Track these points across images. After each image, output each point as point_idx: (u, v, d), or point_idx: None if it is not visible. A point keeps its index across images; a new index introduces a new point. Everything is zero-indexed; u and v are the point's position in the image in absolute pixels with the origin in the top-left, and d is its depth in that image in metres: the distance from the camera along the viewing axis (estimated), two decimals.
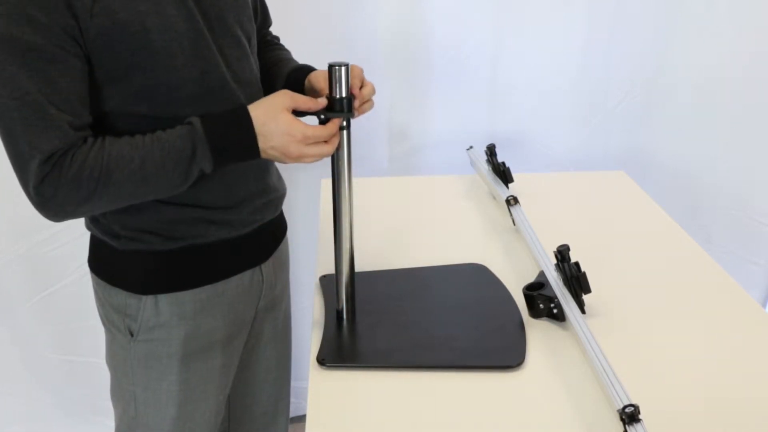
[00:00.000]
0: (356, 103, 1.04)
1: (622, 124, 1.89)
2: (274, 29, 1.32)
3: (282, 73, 1.17)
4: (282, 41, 1.35)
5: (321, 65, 1.03)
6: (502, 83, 1.83)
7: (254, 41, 1.11)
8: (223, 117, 0.97)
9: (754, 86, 1.80)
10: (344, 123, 1.02)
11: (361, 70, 1.07)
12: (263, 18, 1.25)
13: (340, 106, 1.01)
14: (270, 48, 1.26)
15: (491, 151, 1.60)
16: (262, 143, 0.97)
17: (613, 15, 1.77)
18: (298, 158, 0.99)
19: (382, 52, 1.77)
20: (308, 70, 1.15)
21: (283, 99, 0.99)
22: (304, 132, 0.97)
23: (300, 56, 1.28)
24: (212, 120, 0.96)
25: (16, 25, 0.82)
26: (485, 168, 1.62)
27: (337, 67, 0.98)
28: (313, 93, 1.09)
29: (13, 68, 0.83)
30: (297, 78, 1.14)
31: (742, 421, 0.94)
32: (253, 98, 1.06)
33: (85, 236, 1.11)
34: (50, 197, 0.89)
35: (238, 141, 0.97)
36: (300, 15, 1.66)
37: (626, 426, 0.86)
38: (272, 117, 0.97)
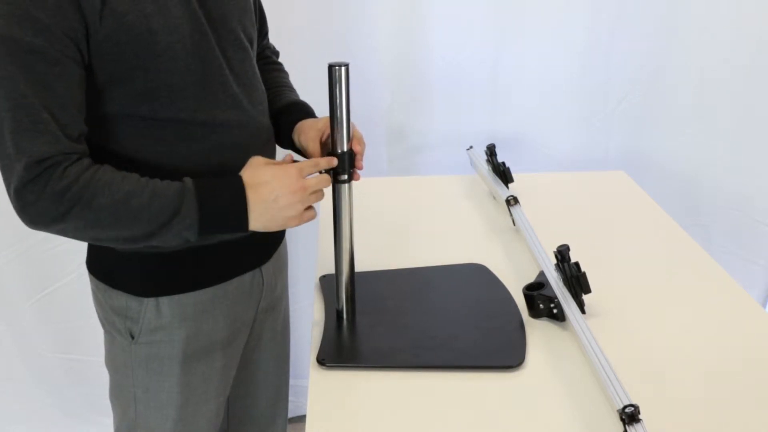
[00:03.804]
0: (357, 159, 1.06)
1: (623, 125, 1.89)
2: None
3: (273, 104, 1.18)
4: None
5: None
6: (503, 83, 1.84)
7: (255, 45, 1.12)
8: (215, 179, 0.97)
9: (753, 86, 1.80)
10: (345, 177, 1.04)
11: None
12: (261, 24, 1.25)
13: (342, 164, 1.04)
14: (268, 68, 1.26)
15: (491, 151, 1.60)
16: (250, 179, 0.96)
17: (613, 16, 1.77)
18: (298, 181, 0.97)
19: (383, 52, 1.77)
20: (299, 114, 1.17)
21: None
22: (294, 165, 0.99)
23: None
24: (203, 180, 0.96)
25: (17, 26, 0.82)
26: (485, 168, 1.62)
27: (337, 68, 0.98)
28: (303, 149, 1.13)
29: (11, 69, 0.83)
30: (288, 120, 1.16)
31: (742, 421, 0.94)
32: (255, 101, 1.06)
33: None
34: (30, 203, 0.86)
35: (225, 185, 0.96)
36: (300, 16, 1.66)
37: (626, 426, 0.86)
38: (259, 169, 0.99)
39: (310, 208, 1.00)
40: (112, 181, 0.90)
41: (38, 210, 0.87)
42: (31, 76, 0.83)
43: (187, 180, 0.94)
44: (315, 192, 1.00)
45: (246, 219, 0.95)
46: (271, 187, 0.96)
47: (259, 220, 0.96)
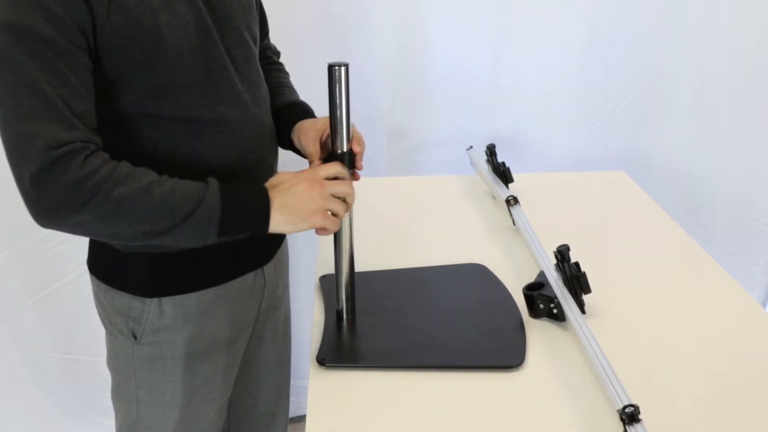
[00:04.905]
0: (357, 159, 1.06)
1: (623, 125, 1.90)
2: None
3: (272, 104, 1.17)
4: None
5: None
6: (503, 84, 1.84)
7: (258, 43, 1.12)
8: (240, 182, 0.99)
9: (754, 86, 1.80)
10: None
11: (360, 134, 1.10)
12: (261, 23, 1.25)
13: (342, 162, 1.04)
14: (269, 68, 1.26)
15: (491, 151, 1.60)
16: (270, 182, 0.98)
17: (613, 16, 1.77)
18: (321, 187, 0.98)
19: (383, 51, 1.77)
20: (298, 114, 1.17)
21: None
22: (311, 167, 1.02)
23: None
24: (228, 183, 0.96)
25: (30, 16, 0.81)
26: (485, 168, 1.62)
27: (336, 68, 0.98)
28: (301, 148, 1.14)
29: (23, 58, 0.82)
30: (287, 120, 1.16)
31: (742, 422, 0.94)
32: (258, 100, 1.06)
33: None
34: (46, 193, 0.84)
35: (247, 184, 0.98)
36: (300, 15, 1.66)
37: (626, 426, 0.86)
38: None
39: (334, 215, 1.00)
40: (133, 172, 0.89)
41: (54, 201, 0.84)
42: (43, 65, 0.82)
43: (211, 179, 0.94)
44: (337, 198, 0.99)
45: (267, 213, 0.94)
46: (288, 183, 0.97)
47: (282, 213, 0.95)
